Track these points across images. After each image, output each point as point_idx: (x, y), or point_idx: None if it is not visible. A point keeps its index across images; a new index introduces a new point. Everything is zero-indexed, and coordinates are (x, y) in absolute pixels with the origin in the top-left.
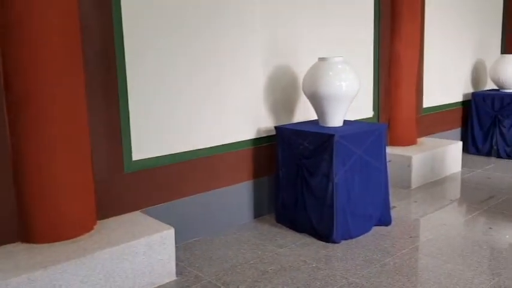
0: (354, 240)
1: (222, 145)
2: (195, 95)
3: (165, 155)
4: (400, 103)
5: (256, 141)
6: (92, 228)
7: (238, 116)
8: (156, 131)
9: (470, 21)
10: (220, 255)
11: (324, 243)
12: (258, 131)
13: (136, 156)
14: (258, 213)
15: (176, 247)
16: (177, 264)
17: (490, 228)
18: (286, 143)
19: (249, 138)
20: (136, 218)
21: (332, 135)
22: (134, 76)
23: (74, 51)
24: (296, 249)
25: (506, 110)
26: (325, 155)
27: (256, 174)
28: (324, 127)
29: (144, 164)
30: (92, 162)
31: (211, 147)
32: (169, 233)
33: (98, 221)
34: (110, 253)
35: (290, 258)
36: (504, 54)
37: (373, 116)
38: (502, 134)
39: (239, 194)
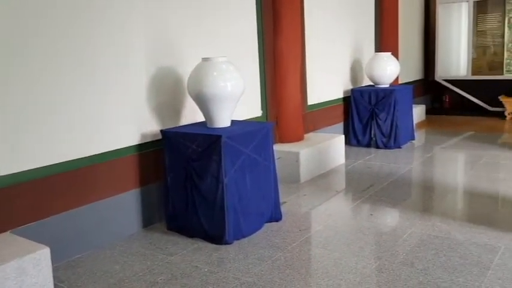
0: (246, 239)
1: (100, 154)
2: (62, 100)
3: (30, 170)
4: (286, 101)
5: (141, 147)
6: None
7: (118, 122)
8: (17, 142)
9: (346, 23)
10: (105, 270)
11: (216, 245)
12: (143, 135)
13: None
14: (148, 221)
15: (55, 267)
16: (56, 286)
17: (371, 214)
18: (173, 147)
19: (132, 144)
20: (5, 239)
21: (219, 136)
22: None
23: None
24: (188, 255)
25: (382, 104)
26: (214, 157)
27: (143, 181)
28: (211, 128)
29: (6, 181)
30: None
31: (86, 157)
32: (44, 253)
33: None
34: None
35: (182, 265)
36: (377, 53)
37: (262, 114)
38: (378, 126)
39: (124, 204)
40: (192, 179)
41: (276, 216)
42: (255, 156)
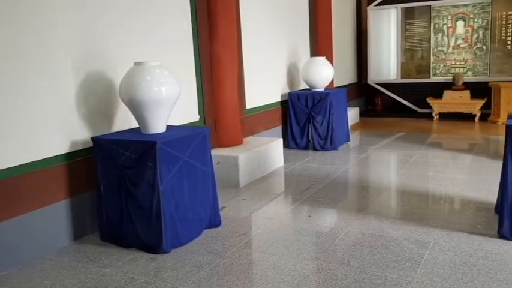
0: (184, 247)
1: (26, 164)
2: None
3: None
4: (224, 105)
5: (71, 156)
6: None
7: (45, 130)
8: None
9: (282, 28)
10: (34, 286)
11: (153, 255)
12: (73, 144)
13: None
14: (80, 233)
15: None
16: None
17: (309, 216)
18: (105, 155)
19: (60, 153)
20: None
21: (154, 143)
22: None
23: None
24: (123, 266)
25: (318, 107)
26: (149, 164)
27: (74, 191)
28: (145, 135)
29: None
30: None
31: (11, 168)
32: None
33: None
34: None
35: (116, 277)
36: (313, 57)
37: (200, 119)
38: (315, 128)
39: (53, 216)
40: (126, 187)
41: (215, 222)
42: (192, 161)
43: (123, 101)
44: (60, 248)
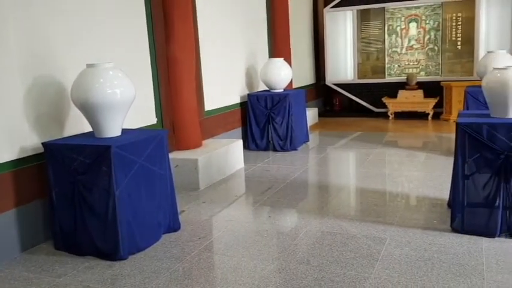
0: (142, 253)
1: None
2: None
3: None
4: (182, 107)
5: (20, 162)
6: None
7: None
8: None
9: (240, 30)
10: None
11: (110, 262)
12: (22, 150)
13: None
14: (32, 243)
15: None
16: None
17: (270, 216)
18: (58, 160)
19: (7, 160)
20: None
21: (109, 147)
22: None
23: None
24: (78, 275)
25: (277, 108)
26: (103, 168)
27: (24, 199)
28: (100, 139)
29: None
30: None
31: None
32: None
33: None
34: None
35: (71, 286)
36: (271, 58)
37: (157, 122)
38: (275, 129)
39: (1, 227)
40: (80, 193)
41: (174, 226)
42: (149, 165)
43: (75, 104)
44: (10, 259)
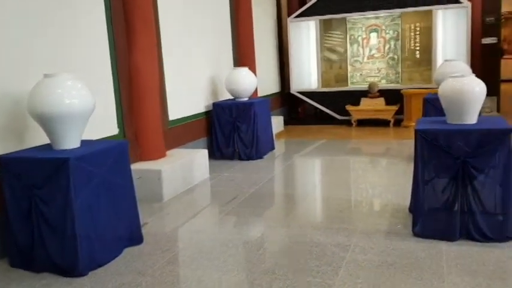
0: (103, 268)
1: None
2: None
3: None
4: (145, 117)
5: None
6: None
7: None
8: None
9: (204, 39)
10: None
11: (69, 279)
12: None
13: None
14: None
15: None
16: None
17: (234, 226)
18: (13, 174)
19: None
20: None
21: (67, 159)
22: None
23: None
24: None
25: (242, 116)
26: (62, 181)
27: None
28: (57, 151)
29: None
30: None
31: None
32: None
33: None
34: None
35: None
36: (236, 67)
37: (119, 132)
38: (241, 138)
39: None
40: (37, 208)
41: (136, 239)
42: (110, 177)
43: (31, 116)
44: None
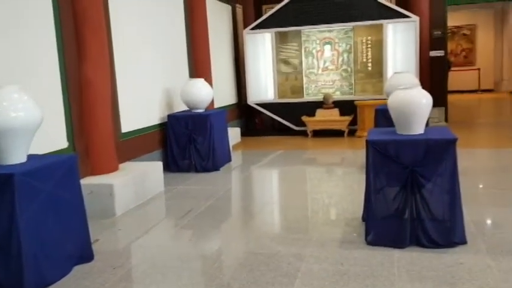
0: (51, 287)
1: None
2: None
3: None
4: (96, 130)
5: None
6: None
7: None
8: None
9: (159, 50)
10: None
11: None
12: None
13: None
14: None
15: None
16: None
17: (190, 240)
18: None
19: None
20: None
21: (12, 175)
22: None
23: None
24: None
25: (198, 128)
26: (6, 198)
27: None
28: (2, 166)
29: None
30: None
31: None
32: None
33: None
34: None
35: None
36: (192, 79)
37: (69, 146)
38: (197, 150)
39: None
40: None
41: (86, 256)
42: (57, 193)
43: None
44: None
